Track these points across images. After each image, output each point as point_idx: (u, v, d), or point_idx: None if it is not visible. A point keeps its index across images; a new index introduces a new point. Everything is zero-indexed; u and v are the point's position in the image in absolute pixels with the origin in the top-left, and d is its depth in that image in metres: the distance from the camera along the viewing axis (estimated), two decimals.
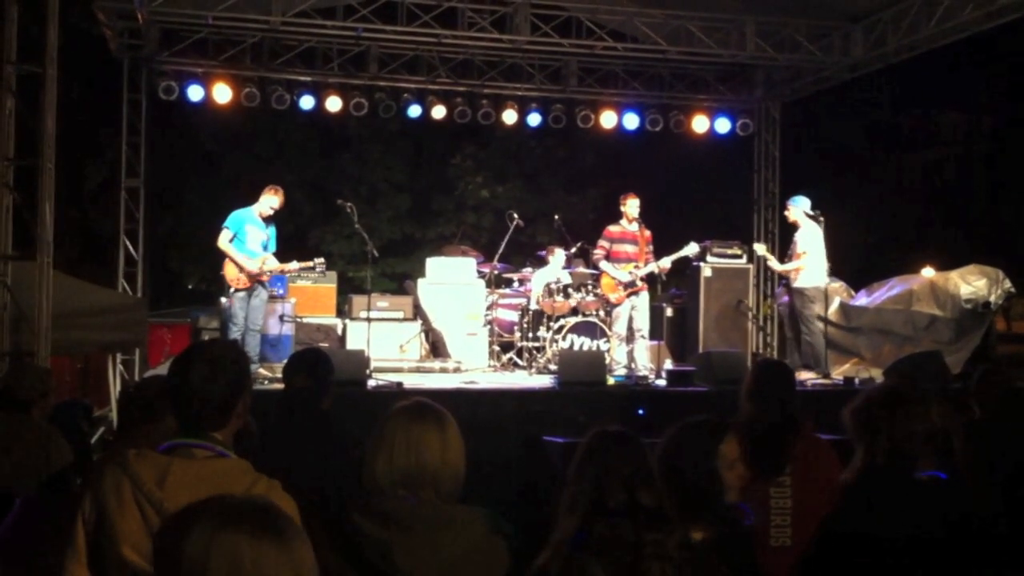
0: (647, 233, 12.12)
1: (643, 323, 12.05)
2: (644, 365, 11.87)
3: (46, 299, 8.49)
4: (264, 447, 4.48)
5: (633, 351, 11.94)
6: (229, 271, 10.86)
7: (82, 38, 15.35)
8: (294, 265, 11.31)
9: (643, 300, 12.10)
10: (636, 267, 11.90)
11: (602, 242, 12.14)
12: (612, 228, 12.17)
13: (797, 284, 12.05)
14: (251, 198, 11.18)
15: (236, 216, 10.97)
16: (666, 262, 12.00)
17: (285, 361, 9.97)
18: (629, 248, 12.00)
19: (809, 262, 11.95)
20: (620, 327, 12.03)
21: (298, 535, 1.84)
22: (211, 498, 1.89)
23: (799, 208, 12.24)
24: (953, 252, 14.95)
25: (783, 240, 15.09)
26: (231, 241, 10.81)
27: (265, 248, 11.00)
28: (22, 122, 8.87)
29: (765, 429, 4.50)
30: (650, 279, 12.16)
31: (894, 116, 24.16)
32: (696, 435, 3.46)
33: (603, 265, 12.10)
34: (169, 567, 1.80)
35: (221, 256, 10.98)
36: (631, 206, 12.02)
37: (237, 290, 10.79)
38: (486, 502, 3.11)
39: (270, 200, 10.97)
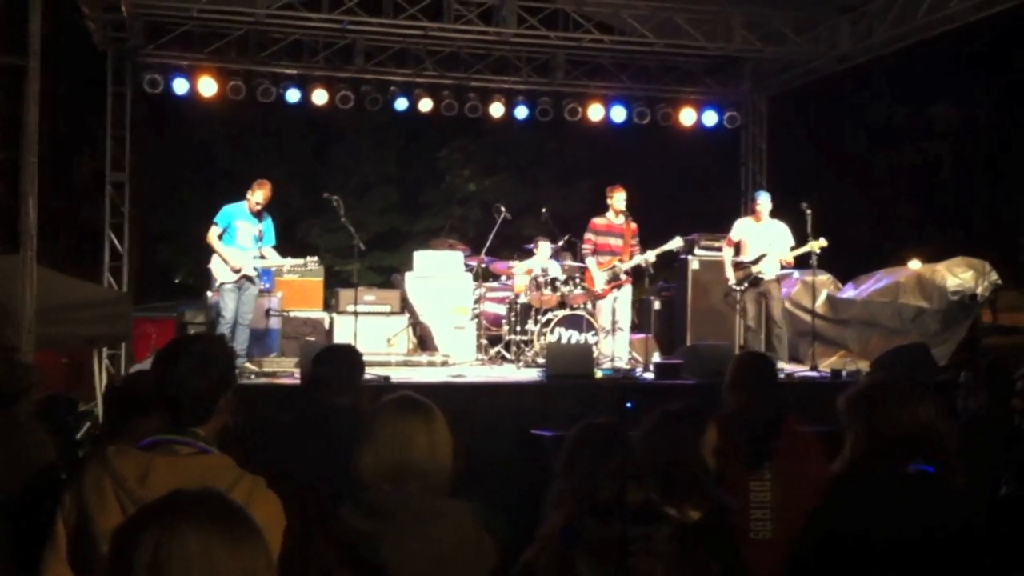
0: (633, 226, 12.13)
1: (622, 316, 12.09)
2: (620, 356, 11.89)
3: (30, 293, 8.43)
4: (283, 442, 4.46)
5: (612, 343, 11.97)
6: (216, 266, 10.84)
7: (70, 31, 15.26)
8: (279, 260, 11.23)
9: (625, 293, 12.15)
10: (620, 260, 11.92)
11: (588, 235, 12.17)
12: (597, 220, 12.18)
13: (781, 275, 12.00)
14: (241, 191, 11.13)
15: (225, 211, 10.94)
16: (651, 255, 11.99)
17: (277, 355, 9.90)
18: (613, 241, 12.02)
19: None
20: (604, 320, 12.05)
21: (251, 533, 1.82)
22: (162, 497, 1.87)
23: (769, 204, 12.24)
24: (944, 246, 14.96)
25: None
26: (220, 237, 10.80)
27: (259, 242, 10.96)
28: (5, 115, 8.81)
29: (747, 422, 4.50)
30: (637, 273, 12.16)
31: (886, 110, 24.16)
32: (679, 423, 3.46)
33: (588, 261, 12.14)
34: (122, 569, 1.78)
35: (209, 251, 10.95)
36: (618, 199, 12.03)
37: (224, 284, 10.76)
38: (474, 496, 3.10)
39: (255, 195, 10.94)
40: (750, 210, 12.37)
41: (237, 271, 10.73)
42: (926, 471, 3.16)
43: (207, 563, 1.73)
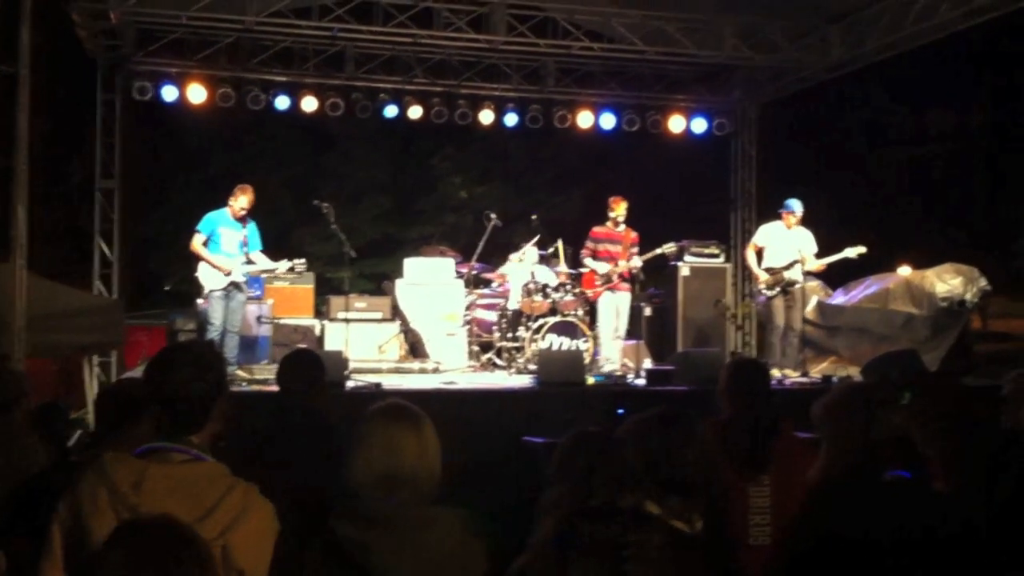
0: (633, 235, 12.20)
1: (622, 324, 12.15)
2: (612, 362, 11.95)
3: (21, 301, 8.42)
4: (264, 450, 4.48)
5: (605, 347, 12.07)
6: (203, 274, 10.82)
7: (59, 39, 15.24)
8: (268, 264, 11.23)
9: (625, 301, 12.15)
10: (615, 264, 12.00)
11: (588, 242, 12.26)
12: (597, 229, 12.27)
13: (805, 283, 12.02)
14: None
15: (208, 219, 10.93)
16: (636, 261, 12.06)
17: (267, 362, 9.92)
18: (612, 248, 12.11)
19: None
20: (602, 325, 12.10)
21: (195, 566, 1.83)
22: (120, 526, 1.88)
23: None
24: (937, 252, 15.02)
25: None
26: (204, 244, 10.79)
27: (244, 248, 10.95)
28: None
29: (743, 428, 4.51)
30: (632, 279, 12.23)
31: (878, 115, 24.23)
32: (658, 428, 3.46)
33: (587, 261, 12.21)
34: None
35: (196, 259, 10.94)
36: (620, 210, 12.08)
37: (212, 291, 10.75)
38: (466, 503, 3.10)
39: (239, 201, 10.94)
40: (779, 216, 12.22)
41: (228, 273, 10.74)
42: (903, 477, 3.18)
43: None
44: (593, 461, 2.93)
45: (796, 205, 12.02)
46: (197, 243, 10.82)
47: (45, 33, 8.88)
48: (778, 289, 11.88)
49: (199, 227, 10.88)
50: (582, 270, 12.59)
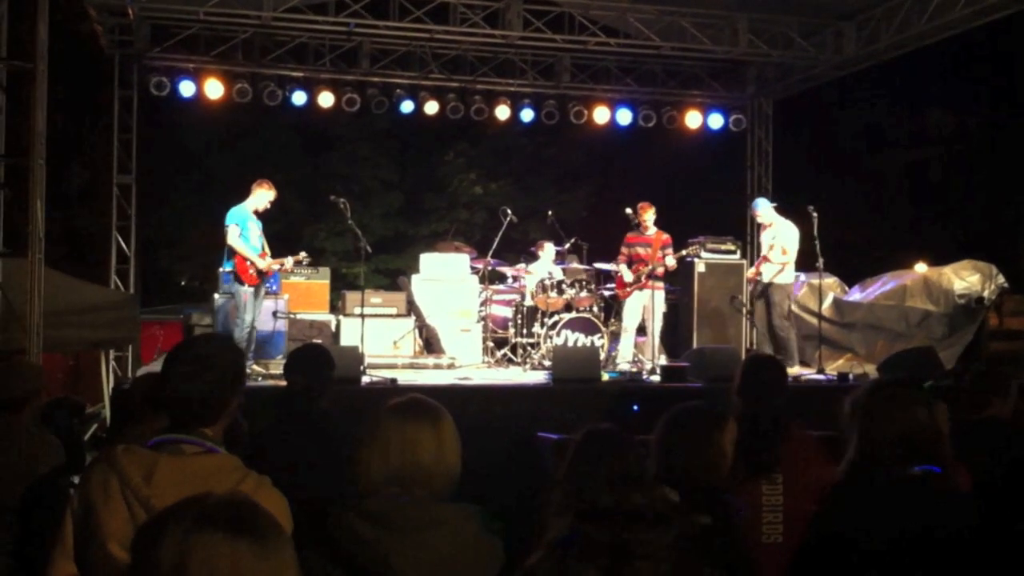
0: (664, 236, 12.24)
1: (651, 318, 12.09)
2: (646, 359, 11.98)
3: (38, 296, 8.43)
4: (262, 445, 4.48)
5: (640, 344, 12.15)
6: (241, 267, 10.79)
7: (73, 36, 15.29)
8: (288, 261, 11.30)
9: (652, 298, 12.05)
10: (645, 266, 12.08)
11: (623, 248, 12.47)
12: (631, 234, 12.50)
13: (779, 280, 12.06)
14: (240, 196, 11.15)
15: (238, 212, 10.92)
16: (670, 261, 12.12)
17: (283, 358, 9.99)
18: (641, 251, 12.21)
19: (791, 259, 12.06)
20: (629, 320, 12.12)
21: (279, 536, 1.79)
22: (190, 497, 1.85)
23: (769, 209, 12.33)
24: (946, 248, 14.96)
25: None
26: (240, 236, 10.79)
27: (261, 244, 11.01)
28: (11, 119, 8.82)
29: (756, 425, 4.50)
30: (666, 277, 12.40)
31: (891, 113, 24.13)
32: (692, 423, 3.45)
33: (621, 267, 12.38)
34: (147, 570, 1.75)
35: (229, 253, 10.89)
36: (648, 215, 12.19)
37: (249, 286, 10.76)
38: (480, 500, 3.09)
39: (267, 195, 10.97)
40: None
41: (265, 270, 10.81)
42: (933, 471, 3.17)
43: (234, 569, 1.72)
44: (601, 461, 2.91)
45: (756, 205, 12.46)
46: (233, 236, 10.76)
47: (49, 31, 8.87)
48: (752, 291, 12.63)
49: (234, 221, 10.82)
50: (597, 266, 12.64)
